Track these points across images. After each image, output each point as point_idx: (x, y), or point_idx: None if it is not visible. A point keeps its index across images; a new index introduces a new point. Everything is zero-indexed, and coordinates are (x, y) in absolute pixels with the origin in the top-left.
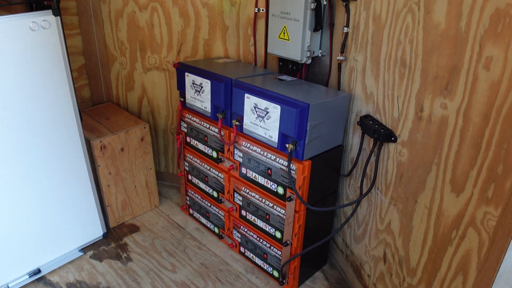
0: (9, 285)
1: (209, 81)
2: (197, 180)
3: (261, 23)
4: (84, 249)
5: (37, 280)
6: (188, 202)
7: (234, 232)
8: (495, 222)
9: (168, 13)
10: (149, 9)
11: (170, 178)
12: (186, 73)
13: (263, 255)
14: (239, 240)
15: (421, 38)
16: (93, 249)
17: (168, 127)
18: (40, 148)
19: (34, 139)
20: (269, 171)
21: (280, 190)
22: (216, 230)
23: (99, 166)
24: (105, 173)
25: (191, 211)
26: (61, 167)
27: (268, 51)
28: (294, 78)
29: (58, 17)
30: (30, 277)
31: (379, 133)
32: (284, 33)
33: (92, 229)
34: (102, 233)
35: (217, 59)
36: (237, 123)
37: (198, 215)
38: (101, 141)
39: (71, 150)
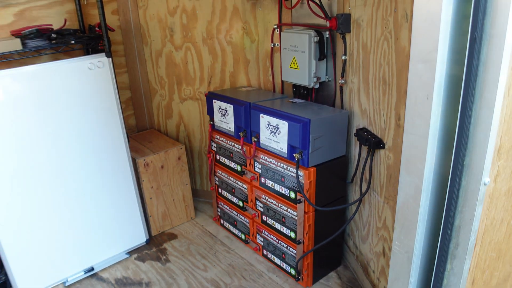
0: (68, 279)
1: (232, 106)
2: (226, 193)
3: (277, 56)
4: (129, 252)
5: (90, 276)
6: (219, 213)
7: (257, 236)
8: None
9: (199, 51)
10: (183, 49)
11: (205, 195)
12: (214, 100)
13: (282, 255)
14: (262, 243)
15: (394, 60)
16: (137, 253)
17: (202, 149)
18: (96, 166)
19: (92, 159)
20: (283, 178)
21: (292, 195)
22: (243, 236)
23: (143, 181)
24: (148, 187)
25: (221, 221)
26: (112, 182)
27: (282, 78)
28: (304, 101)
29: (110, 58)
30: (85, 273)
31: (370, 141)
32: (293, 63)
33: (137, 235)
34: (145, 239)
35: (241, 88)
36: (255, 139)
37: (227, 224)
38: (144, 160)
39: (120, 167)
